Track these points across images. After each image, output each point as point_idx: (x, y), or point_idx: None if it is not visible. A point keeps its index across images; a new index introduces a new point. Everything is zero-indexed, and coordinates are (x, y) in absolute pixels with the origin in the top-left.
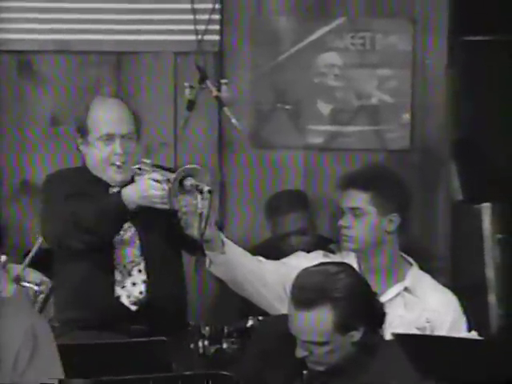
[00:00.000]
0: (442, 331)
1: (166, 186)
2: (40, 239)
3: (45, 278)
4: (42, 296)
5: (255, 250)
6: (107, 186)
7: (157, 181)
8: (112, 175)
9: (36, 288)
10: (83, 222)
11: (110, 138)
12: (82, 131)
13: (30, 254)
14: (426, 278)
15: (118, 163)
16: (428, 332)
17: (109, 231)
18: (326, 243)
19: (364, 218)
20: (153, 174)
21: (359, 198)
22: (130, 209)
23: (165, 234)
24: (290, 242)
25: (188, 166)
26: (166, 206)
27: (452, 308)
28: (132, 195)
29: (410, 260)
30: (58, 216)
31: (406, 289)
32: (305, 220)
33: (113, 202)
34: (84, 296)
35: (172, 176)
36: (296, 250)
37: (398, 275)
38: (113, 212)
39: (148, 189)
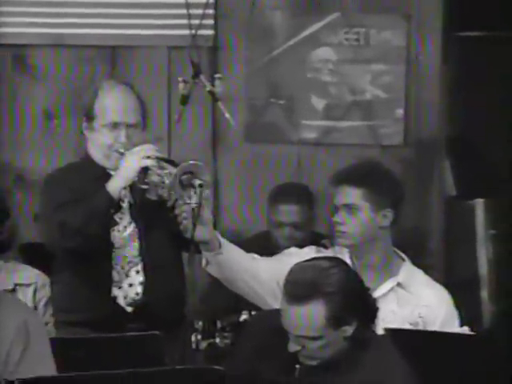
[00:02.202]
0: (434, 326)
1: (165, 178)
2: None
3: (46, 280)
4: (44, 299)
5: (247, 243)
6: (109, 177)
7: (148, 168)
8: (114, 162)
9: (33, 288)
10: (71, 226)
11: (115, 126)
12: (89, 116)
13: None
14: (419, 274)
15: (121, 150)
16: (421, 327)
17: (98, 227)
18: (319, 238)
19: (358, 214)
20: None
21: (353, 195)
22: (115, 198)
23: (165, 234)
24: (283, 233)
25: (189, 162)
26: (159, 195)
27: (445, 303)
28: (116, 181)
29: (403, 255)
30: (49, 221)
31: (398, 284)
32: (302, 214)
33: (99, 197)
34: (81, 295)
35: (168, 166)
36: (287, 243)
37: (390, 270)
38: (100, 206)
39: (132, 168)
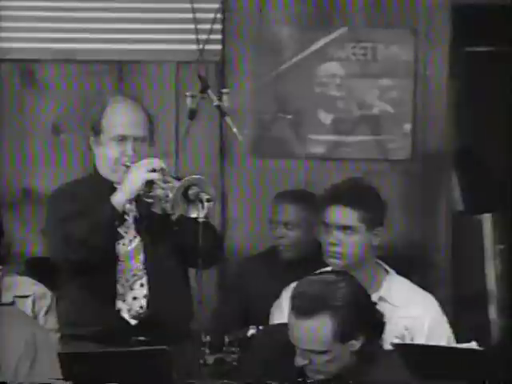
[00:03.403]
0: (421, 335)
1: (169, 192)
2: None
3: (47, 291)
4: (44, 309)
5: (253, 261)
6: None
7: (153, 182)
8: (121, 176)
9: (32, 299)
10: (75, 238)
11: (122, 139)
12: (96, 130)
13: None
14: (404, 284)
15: (128, 164)
16: (408, 340)
17: (102, 239)
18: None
19: (355, 235)
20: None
21: (349, 216)
22: (120, 211)
23: (171, 248)
24: (275, 232)
25: (193, 176)
26: (163, 208)
27: (429, 311)
28: (121, 195)
29: (387, 267)
30: (54, 234)
31: (381, 298)
32: (296, 214)
33: (103, 210)
34: (85, 309)
35: (173, 180)
36: (279, 242)
37: (374, 285)
38: (104, 219)
39: (136, 180)
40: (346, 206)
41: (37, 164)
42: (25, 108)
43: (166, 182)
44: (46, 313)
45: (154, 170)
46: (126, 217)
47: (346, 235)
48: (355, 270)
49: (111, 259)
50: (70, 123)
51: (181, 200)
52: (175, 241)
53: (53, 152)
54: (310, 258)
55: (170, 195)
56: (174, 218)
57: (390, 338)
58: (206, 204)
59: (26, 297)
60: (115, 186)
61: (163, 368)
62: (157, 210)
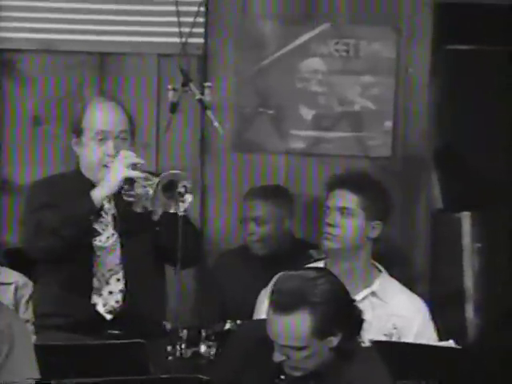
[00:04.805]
0: (409, 336)
1: (149, 189)
2: None
3: (28, 280)
4: (25, 297)
5: (228, 255)
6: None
7: (133, 180)
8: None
9: (14, 287)
10: (47, 226)
11: (103, 137)
12: (77, 131)
13: None
14: (395, 285)
15: (109, 165)
16: (395, 338)
17: (74, 232)
18: (303, 246)
19: (352, 219)
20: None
21: (350, 199)
22: (97, 206)
23: (148, 245)
24: (246, 229)
25: (171, 172)
26: (144, 206)
27: (419, 314)
28: (100, 190)
29: (380, 267)
30: (27, 221)
31: (373, 293)
32: (266, 209)
33: (81, 203)
34: (61, 301)
35: (153, 178)
36: (250, 239)
37: (367, 281)
38: (80, 212)
39: (116, 176)
40: (347, 190)
41: (16, 154)
42: (5, 99)
43: (146, 179)
44: (27, 301)
45: (134, 166)
46: (103, 214)
47: (343, 217)
48: (348, 259)
49: (86, 253)
50: (50, 114)
51: (160, 196)
52: (155, 240)
53: (32, 143)
54: (283, 253)
55: (151, 192)
56: (155, 218)
57: (379, 335)
58: (186, 197)
59: (9, 284)
60: (96, 185)
61: (140, 361)
62: (137, 208)
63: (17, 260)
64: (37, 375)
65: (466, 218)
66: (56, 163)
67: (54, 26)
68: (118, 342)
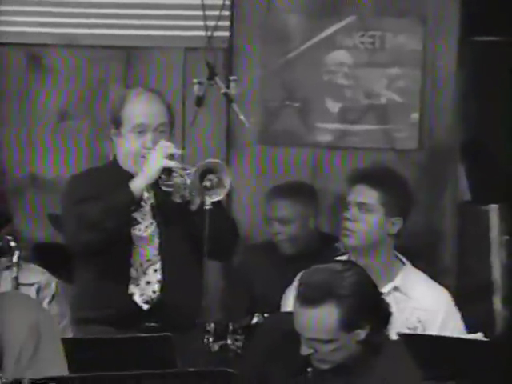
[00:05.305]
0: (433, 329)
1: (186, 179)
2: None
3: (52, 279)
4: (48, 297)
5: (254, 249)
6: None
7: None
8: (141, 167)
9: (36, 288)
10: (89, 219)
11: (142, 129)
12: (116, 122)
13: None
14: (419, 277)
15: (146, 156)
16: (419, 332)
17: (116, 224)
18: (329, 240)
19: (371, 215)
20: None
21: (370, 195)
22: (137, 196)
23: (187, 236)
24: (271, 229)
25: (210, 160)
26: (183, 196)
27: (443, 305)
28: (139, 180)
29: (403, 259)
30: (68, 215)
31: (396, 288)
32: (292, 209)
33: (121, 194)
34: (98, 292)
35: (191, 168)
36: (276, 239)
37: (389, 275)
38: (121, 203)
39: (155, 165)
40: (367, 185)
41: (43, 150)
42: (31, 93)
43: (184, 169)
44: (50, 302)
45: (172, 157)
46: (142, 204)
47: (362, 213)
48: (368, 255)
49: (125, 243)
50: (76, 110)
51: (198, 186)
52: (193, 230)
53: (59, 138)
54: (310, 252)
55: (188, 182)
56: (193, 208)
57: (403, 328)
58: (226, 187)
59: (30, 285)
60: (134, 176)
61: (167, 355)
62: (176, 198)
63: (45, 255)
64: (65, 371)
65: (493, 211)
66: (81, 158)
67: (79, 20)
68: (145, 335)
